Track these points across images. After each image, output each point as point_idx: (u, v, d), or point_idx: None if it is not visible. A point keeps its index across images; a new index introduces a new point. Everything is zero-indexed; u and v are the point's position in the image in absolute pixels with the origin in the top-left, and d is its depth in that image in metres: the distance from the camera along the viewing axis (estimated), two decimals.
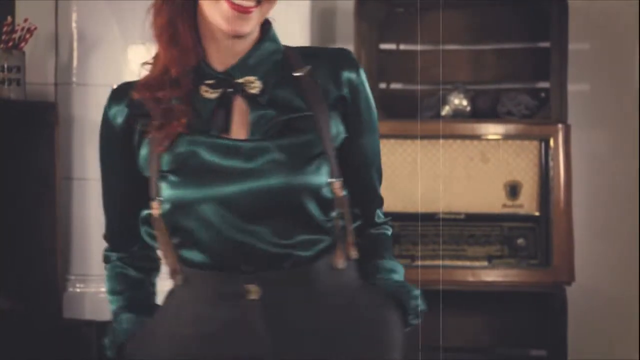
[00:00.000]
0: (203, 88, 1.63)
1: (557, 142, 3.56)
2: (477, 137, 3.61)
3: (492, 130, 3.60)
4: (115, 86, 1.72)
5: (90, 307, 3.37)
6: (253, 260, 1.59)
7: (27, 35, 3.29)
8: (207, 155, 1.59)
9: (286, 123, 1.61)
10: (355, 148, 1.70)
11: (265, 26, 1.67)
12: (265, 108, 1.62)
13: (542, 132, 3.59)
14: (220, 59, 1.64)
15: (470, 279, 3.56)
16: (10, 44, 3.27)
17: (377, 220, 1.77)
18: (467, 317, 3.70)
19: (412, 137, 3.57)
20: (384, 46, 3.85)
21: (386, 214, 1.80)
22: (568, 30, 3.61)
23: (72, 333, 3.25)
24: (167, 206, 1.60)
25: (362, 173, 1.73)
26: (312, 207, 1.61)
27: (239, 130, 1.62)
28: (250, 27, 1.60)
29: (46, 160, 3.27)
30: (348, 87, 1.67)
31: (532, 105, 3.69)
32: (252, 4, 1.58)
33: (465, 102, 3.70)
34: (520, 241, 3.59)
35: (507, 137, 3.60)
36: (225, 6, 1.58)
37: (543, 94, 3.73)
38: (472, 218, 3.61)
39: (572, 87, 3.69)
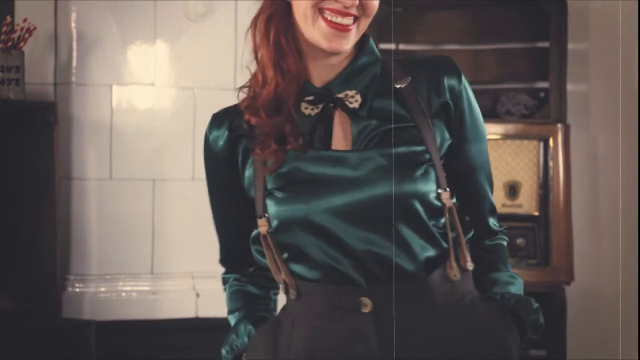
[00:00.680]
0: (303, 105, 1.63)
1: (557, 142, 3.56)
2: None
3: (492, 130, 3.59)
4: (215, 111, 1.72)
5: (89, 306, 3.38)
6: (369, 269, 1.58)
7: (27, 35, 3.29)
8: (314, 168, 1.60)
9: (389, 133, 1.60)
10: (462, 154, 1.68)
11: (362, 39, 1.67)
12: (367, 119, 1.62)
13: (542, 132, 3.59)
14: (319, 75, 1.65)
15: None
16: (10, 43, 3.27)
17: (492, 228, 1.74)
18: None
19: None
20: (383, 46, 3.85)
21: None
22: (567, 30, 3.61)
23: (71, 333, 3.25)
24: (275, 222, 1.60)
25: (470, 180, 1.71)
26: (423, 214, 1.59)
27: (340, 142, 1.62)
28: (350, 44, 1.61)
29: (45, 160, 3.27)
30: (450, 93, 1.65)
31: (532, 105, 3.69)
32: (350, 21, 1.59)
33: None
34: (519, 241, 3.59)
35: (506, 137, 3.60)
36: (324, 25, 1.59)
37: (542, 94, 3.72)
38: None
39: (571, 87, 3.69)
